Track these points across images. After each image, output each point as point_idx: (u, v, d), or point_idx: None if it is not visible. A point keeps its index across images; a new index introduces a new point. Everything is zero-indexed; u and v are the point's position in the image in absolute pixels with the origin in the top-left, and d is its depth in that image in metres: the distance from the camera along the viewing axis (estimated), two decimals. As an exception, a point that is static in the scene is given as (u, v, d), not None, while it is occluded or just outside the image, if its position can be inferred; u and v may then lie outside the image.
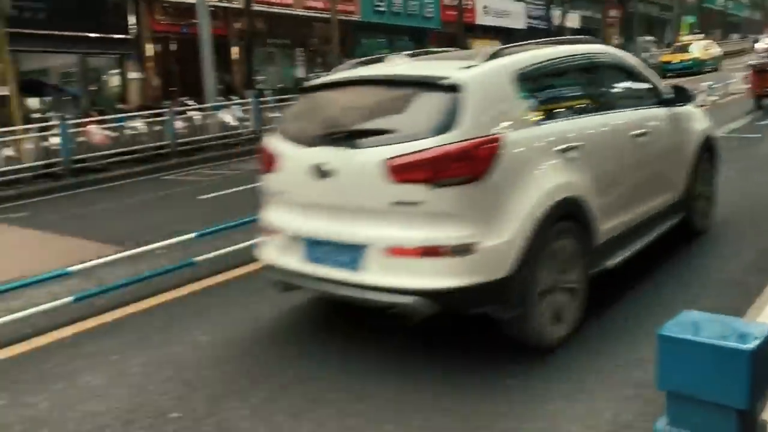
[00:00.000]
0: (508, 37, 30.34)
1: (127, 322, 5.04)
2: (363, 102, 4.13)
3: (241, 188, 10.96)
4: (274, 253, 4.24)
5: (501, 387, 3.53)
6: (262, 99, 16.90)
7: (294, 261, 4.04)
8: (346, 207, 3.83)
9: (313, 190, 3.91)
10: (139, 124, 14.28)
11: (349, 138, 3.80)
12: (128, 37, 19.32)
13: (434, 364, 3.86)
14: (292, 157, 4.09)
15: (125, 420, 3.51)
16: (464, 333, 4.21)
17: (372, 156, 3.65)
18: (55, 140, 12.94)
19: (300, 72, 24.89)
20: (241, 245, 6.53)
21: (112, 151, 13.69)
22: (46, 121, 13.76)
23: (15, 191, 12.00)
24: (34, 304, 5.39)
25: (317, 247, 3.92)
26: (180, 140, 14.77)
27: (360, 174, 3.71)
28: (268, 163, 4.29)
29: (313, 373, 3.89)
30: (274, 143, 4.31)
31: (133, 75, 19.72)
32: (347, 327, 4.57)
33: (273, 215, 4.31)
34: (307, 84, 4.87)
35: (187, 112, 15.34)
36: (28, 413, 3.68)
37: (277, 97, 17.81)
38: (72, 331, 4.94)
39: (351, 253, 3.72)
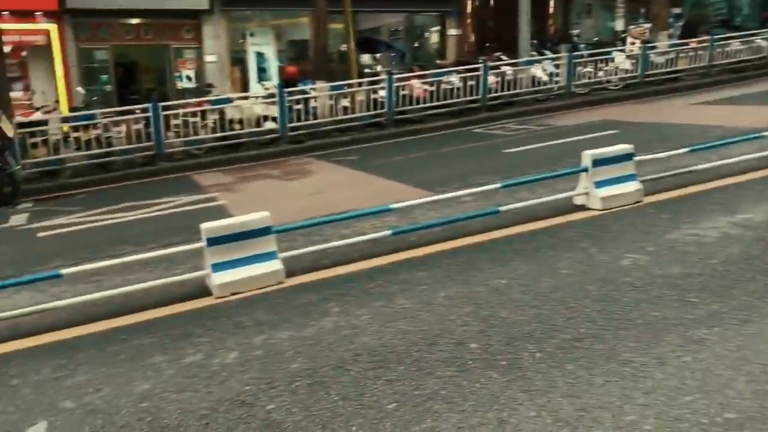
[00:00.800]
0: None
1: (434, 259, 5.53)
2: None
3: (545, 144, 10.95)
4: None
5: None
6: (575, 53, 16.39)
7: None
8: None
9: None
10: (454, 79, 15.03)
11: None
12: (451, -5, 20.29)
13: None
14: None
15: (430, 342, 3.93)
16: None
17: None
18: (382, 93, 14.39)
19: (619, 24, 23.40)
20: (545, 198, 6.63)
21: (429, 104, 14.72)
22: (376, 76, 15.31)
23: (348, 137, 13.74)
24: (359, 233, 6.26)
25: None
26: (490, 95, 15.21)
27: None
28: None
29: (598, 331, 3.85)
30: None
31: (451, 31, 20.72)
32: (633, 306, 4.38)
33: None
34: None
35: (500, 67, 15.63)
36: (354, 322, 4.35)
37: (592, 51, 17.08)
38: (389, 260, 5.61)
39: None
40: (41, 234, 8.18)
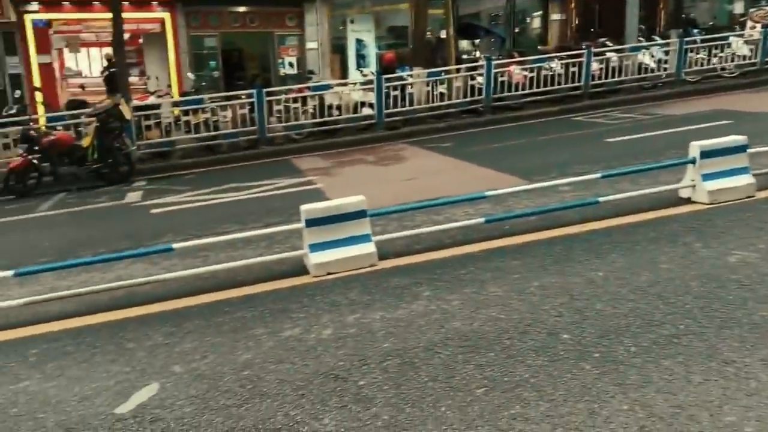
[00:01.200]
0: None
1: (529, 248, 5.47)
2: None
3: (650, 134, 10.51)
4: None
5: None
6: (688, 39, 15.52)
7: None
8: None
9: None
10: (556, 65, 14.65)
11: None
12: (555, -22, 19.70)
13: None
14: None
15: (521, 330, 3.92)
16: None
17: None
18: (479, 79, 14.24)
19: (738, 7, 21.90)
20: (648, 190, 6.40)
21: (528, 91, 14.43)
22: (475, 62, 15.17)
23: (444, 124, 13.73)
24: (452, 220, 6.29)
25: None
26: (593, 82, 14.71)
27: None
28: None
29: (699, 329, 3.70)
30: None
31: (554, 16, 20.15)
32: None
33: None
34: None
35: (605, 53, 15.06)
36: (443, 307, 4.40)
37: (705, 37, 16.11)
38: (481, 247, 5.61)
39: None
40: (154, 210, 8.76)
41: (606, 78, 14.84)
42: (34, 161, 10.88)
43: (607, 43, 15.76)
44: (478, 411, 3.13)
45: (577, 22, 20.38)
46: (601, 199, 6.20)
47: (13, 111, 12.78)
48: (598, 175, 6.46)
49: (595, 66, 14.71)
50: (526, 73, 14.48)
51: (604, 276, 4.67)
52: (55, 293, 5.31)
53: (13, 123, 11.92)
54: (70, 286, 5.59)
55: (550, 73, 14.53)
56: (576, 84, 14.61)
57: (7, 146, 11.79)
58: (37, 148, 10.93)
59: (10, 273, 5.07)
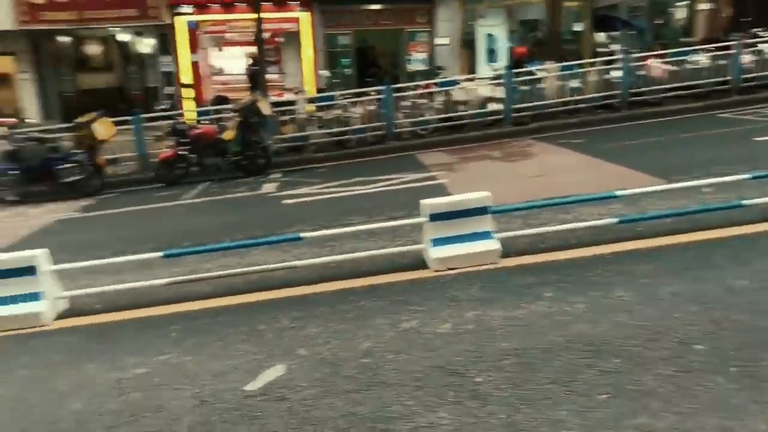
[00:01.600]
0: None
1: (662, 251, 5.18)
2: None
3: (811, 132, 9.54)
4: None
5: None
6: None
7: None
8: None
9: None
10: (701, 58, 13.66)
11: None
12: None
13: None
14: None
15: (649, 338, 3.73)
16: None
17: None
18: (616, 73, 13.59)
19: None
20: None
21: (669, 86, 13.57)
22: (611, 55, 14.49)
23: (576, 119, 13.25)
24: (580, 219, 6.08)
25: None
26: (744, 76, 13.56)
27: None
28: None
29: None
30: None
31: (702, 6, 18.77)
32: None
33: None
34: None
35: (758, 44, 13.83)
36: (567, 309, 4.28)
37: None
38: (611, 249, 5.38)
39: None
40: (286, 201, 9.20)
41: (760, 71, 13.63)
42: (182, 153, 11.79)
43: (762, 33, 14.45)
44: (599, 417, 3.03)
45: (728, 11, 18.84)
46: (745, 202, 5.72)
47: (166, 106, 13.94)
48: (747, 175, 5.96)
49: (746, 59, 13.55)
50: (667, 66, 13.63)
51: (746, 285, 4.33)
52: (196, 275, 5.75)
53: (164, 117, 12.99)
54: (209, 268, 6.03)
55: (694, 66, 13.57)
56: (724, 78, 13.54)
57: (159, 138, 12.86)
58: (184, 140, 11.83)
59: (160, 254, 5.56)
